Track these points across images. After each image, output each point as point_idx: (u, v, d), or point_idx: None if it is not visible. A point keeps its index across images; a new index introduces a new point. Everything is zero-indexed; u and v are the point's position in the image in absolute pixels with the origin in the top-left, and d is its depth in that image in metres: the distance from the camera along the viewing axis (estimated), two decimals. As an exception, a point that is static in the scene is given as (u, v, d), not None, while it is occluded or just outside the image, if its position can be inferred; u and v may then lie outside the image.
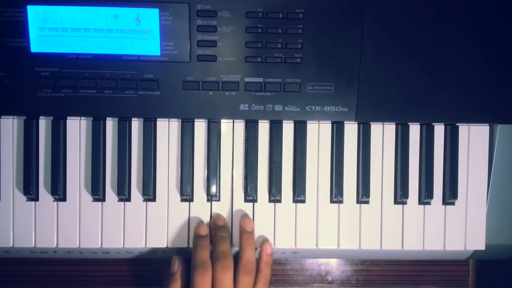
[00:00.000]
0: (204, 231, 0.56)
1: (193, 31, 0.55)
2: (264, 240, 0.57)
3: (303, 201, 0.58)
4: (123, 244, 0.57)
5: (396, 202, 0.59)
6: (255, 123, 0.58)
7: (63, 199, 0.57)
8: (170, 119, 0.58)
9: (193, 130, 0.58)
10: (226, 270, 0.53)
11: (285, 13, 0.55)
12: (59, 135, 0.56)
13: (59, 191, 0.56)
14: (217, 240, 0.55)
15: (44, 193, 0.57)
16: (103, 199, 0.57)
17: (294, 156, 0.58)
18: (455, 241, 0.59)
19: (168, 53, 0.55)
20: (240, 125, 0.58)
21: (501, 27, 0.56)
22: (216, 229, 0.56)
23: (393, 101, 0.56)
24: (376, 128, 0.59)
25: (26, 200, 0.57)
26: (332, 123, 0.58)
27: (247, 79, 0.56)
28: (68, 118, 0.57)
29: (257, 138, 0.58)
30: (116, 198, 0.57)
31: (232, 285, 0.53)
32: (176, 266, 0.56)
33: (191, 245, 0.57)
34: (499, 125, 0.59)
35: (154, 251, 0.58)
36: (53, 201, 0.57)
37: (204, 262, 0.53)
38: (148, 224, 0.58)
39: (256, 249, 0.57)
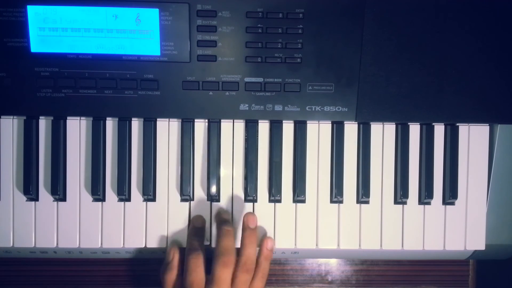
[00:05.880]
0: (202, 223, 0.57)
1: (193, 31, 0.55)
2: (265, 235, 0.57)
3: (303, 201, 0.58)
4: (123, 244, 0.57)
5: (396, 202, 0.59)
6: (255, 123, 0.58)
7: (63, 199, 0.57)
8: (170, 119, 0.58)
9: (193, 130, 0.58)
10: (226, 267, 0.52)
11: (285, 13, 0.55)
12: (59, 135, 0.56)
13: (59, 191, 0.56)
14: (222, 233, 0.55)
15: (44, 193, 0.57)
16: (103, 199, 0.57)
17: (294, 156, 0.58)
18: (455, 241, 0.59)
19: (168, 53, 0.55)
20: (240, 125, 0.58)
21: (501, 27, 0.56)
22: (222, 222, 0.56)
23: (393, 101, 0.56)
24: (376, 128, 0.59)
25: (26, 200, 0.57)
26: (332, 123, 0.58)
27: (247, 79, 0.56)
28: (68, 118, 0.57)
29: (257, 138, 0.58)
30: (116, 198, 0.57)
31: (230, 282, 0.53)
32: (172, 255, 0.56)
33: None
34: (499, 125, 0.59)
35: (154, 251, 0.58)
36: (53, 201, 0.57)
37: (196, 248, 0.54)
38: (148, 224, 0.58)
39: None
